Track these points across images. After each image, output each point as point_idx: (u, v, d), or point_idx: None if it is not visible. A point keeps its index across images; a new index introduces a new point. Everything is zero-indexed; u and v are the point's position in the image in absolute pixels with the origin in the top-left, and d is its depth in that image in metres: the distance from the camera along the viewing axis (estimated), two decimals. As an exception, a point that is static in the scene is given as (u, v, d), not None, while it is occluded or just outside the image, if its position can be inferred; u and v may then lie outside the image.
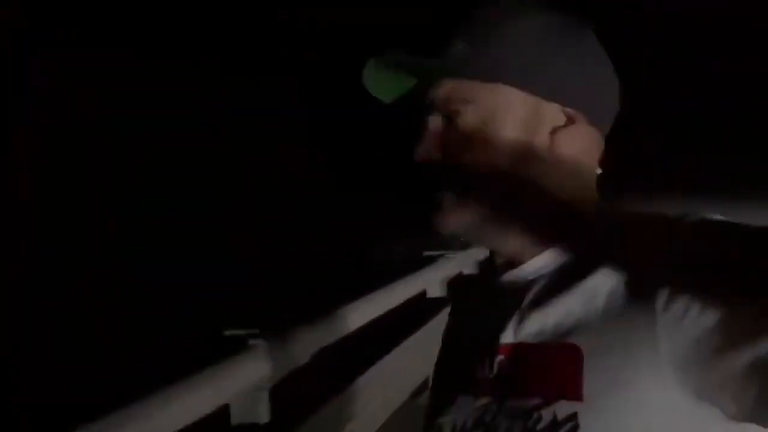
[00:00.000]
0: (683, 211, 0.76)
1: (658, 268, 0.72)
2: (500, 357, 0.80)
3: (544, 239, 0.82)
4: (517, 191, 0.81)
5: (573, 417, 0.71)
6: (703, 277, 0.69)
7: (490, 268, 0.90)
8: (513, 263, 0.84)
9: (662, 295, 0.70)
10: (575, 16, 0.85)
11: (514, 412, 0.76)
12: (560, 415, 0.72)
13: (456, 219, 0.82)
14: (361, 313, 4.06)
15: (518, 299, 0.81)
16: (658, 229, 0.76)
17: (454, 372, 0.88)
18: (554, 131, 0.81)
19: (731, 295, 0.67)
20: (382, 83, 0.86)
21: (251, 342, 2.89)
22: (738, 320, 0.66)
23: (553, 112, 0.81)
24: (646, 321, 0.70)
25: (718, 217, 0.74)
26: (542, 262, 0.82)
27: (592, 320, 0.74)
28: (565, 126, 0.81)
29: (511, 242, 0.83)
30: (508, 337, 0.80)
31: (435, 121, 0.83)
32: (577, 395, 0.71)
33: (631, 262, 0.74)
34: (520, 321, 0.80)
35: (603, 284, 0.75)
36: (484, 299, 0.89)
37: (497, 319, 0.83)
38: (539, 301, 0.80)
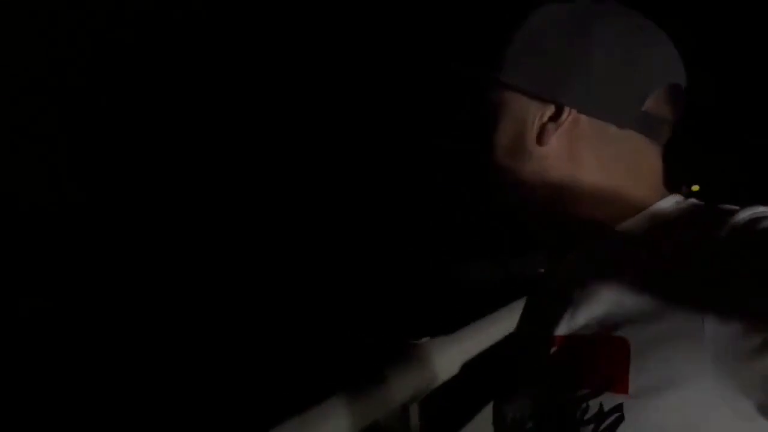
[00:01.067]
0: (735, 207, 0.76)
1: (704, 264, 0.72)
2: (554, 348, 0.83)
3: (589, 234, 0.85)
4: (536, 191, 0.86)
5: (618, 408, 0.73)
6: (751, 273, 0.68)
7: (549, 262, 0.93)
8: (563, 256, 0.88)
9: (708, 291, 0.70)
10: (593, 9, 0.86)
11: (565, 402, 0.78)
12: (606, 407, 0.74)
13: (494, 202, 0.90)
14: (505, 323, 3.96)
15: (571, 291, 0.84)
16: (708, 225, 0.76)
17: (516, 363, 0.91)
18: (546, 125, 0.85)
19: None
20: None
21: (420, 342, 2.83)
22: None
23: (546, 108, 0.85)
24: (691, 317, 0.71)
25: None
26: (597, 256, 0.84)
27: (640, 314, 0.75)
28: (553, 121, 0.84)
29: (558, 236, 0.88)
30: (561, 329, 0.83)
31: None
32: (623, 388, 0.73)
33: (678, 257, 0.75)
34: (573, 313, 0.82)
35: (650, 278, 0.76)
36: (543, 293, 0.93)
37: (553, 311, 0.85)
38: (590, 294, 0.81)
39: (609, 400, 0.74)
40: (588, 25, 0.84)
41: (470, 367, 3.40)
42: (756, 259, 0.69)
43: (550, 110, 0.85)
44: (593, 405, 0.75)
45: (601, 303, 0.80)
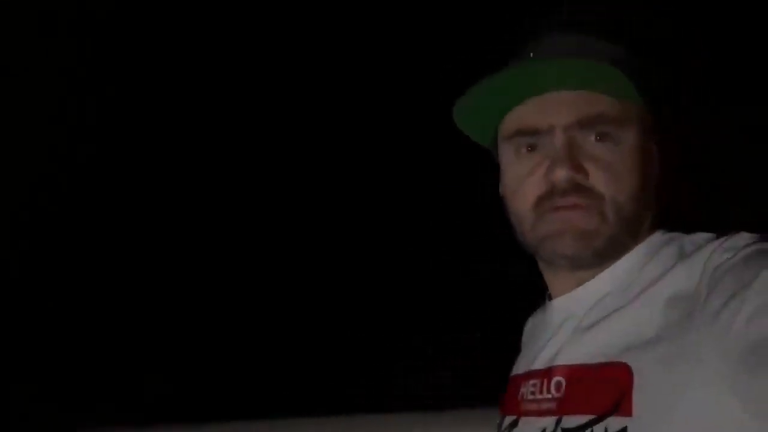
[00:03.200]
0: (735, 232, 0.78)
1: (705, 286, 0.73)
2: (557, 378, 0.84)
3: (598, 261, 0.85)
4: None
5: (623, 431, 0.74)
6: (751, 292, 0.69)
7: (548, 293, 0.93)
8: (568, 287, 0.88)
9: (708, 313, 0.71)
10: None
11: (570, 429, 0.79)
12: (611, 430, 0.75)
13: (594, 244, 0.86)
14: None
15: (574, 321, 0.86)
16: (709, 247, 0.77)
17: (519, 392, 0.91)
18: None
19: None
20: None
21: None
22: None
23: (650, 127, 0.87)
24: (692, 340, 0.72)
25: None
26: (595, 286, 0.85)
27: (642, 339, 0.76)
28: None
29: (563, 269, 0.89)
30: (564, 358, 0.84)
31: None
32: (627, 411, 0.74)
33: (678, 280, 0.77)
34: (576, 342, 0.84)
35: (652, 303, 0.78)
36: (545, 321, 0.93)
37: (555, 340, 0.87)
38: (593, 322, 0.83)
39: (614, 424, 0.75)
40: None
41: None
42: (753, 281, 0.70)
43: (651, 131, 0.88)
44: (598, 430, 0.76)
45: (604, 330, 0.81)
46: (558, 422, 0.82)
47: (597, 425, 0.77)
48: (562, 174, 0.80)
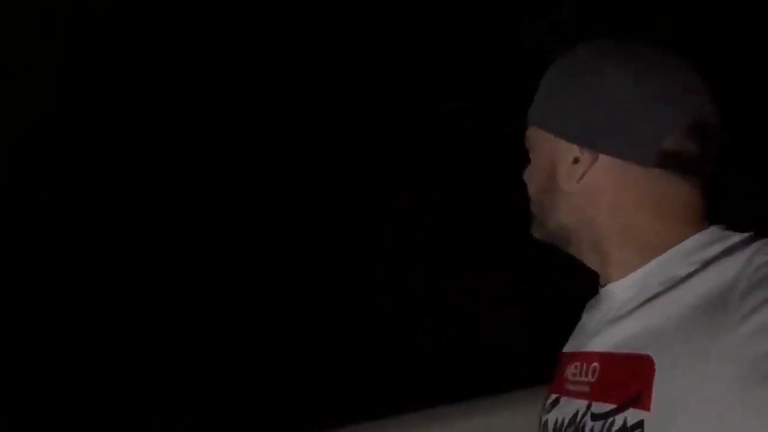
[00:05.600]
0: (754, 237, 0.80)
1: (743, 286, 0.74)
2: (594, 364, 0.87)
3: (625, 261, 0.89)
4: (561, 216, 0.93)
5: (640, 424, 0.76)
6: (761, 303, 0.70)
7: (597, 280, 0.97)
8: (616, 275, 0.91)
9: (740, 315, 0.72)
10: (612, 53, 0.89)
11: (597, 415, 0.82)
12: (629, 422, 0.77)
13: (538, 231, 0.98)
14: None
15: (610, 310, 0.89)
16: (730, 259, 0.78)
17: (561, 375, 0.96)
18: (572, 166, 0.89)
19: None
20: None
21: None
22: None
23: (570, 150, 0.89)
24: (713, 339, 0.73)
25: None
26: (628, 282, 0.88)
27: (668, 334, 0.78)
28: (577, 162, 0.89)
29: (592, 262, 0.94)
30: (599, 345, 0.88)
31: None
32: (646, 405, 0.76)
33: (716, 277, 0.77)
34: (609, 331, 0.87)
35: (686, 298, 0.79)
36: (588, 310, 0.99)
37: (593, 328, 0.91)
38: (625, 313, 0.86)
39: (632, 416, 0.77)
40: (601, 68, 0.87)
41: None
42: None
43: (574, 152, 0.89)
44: (618, 420, 0.78)
45: (634, 321, 0.83)
46: (588, 407, 0.85)
47: (618, 415, 0.79)
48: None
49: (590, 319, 0.96)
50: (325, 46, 3.64)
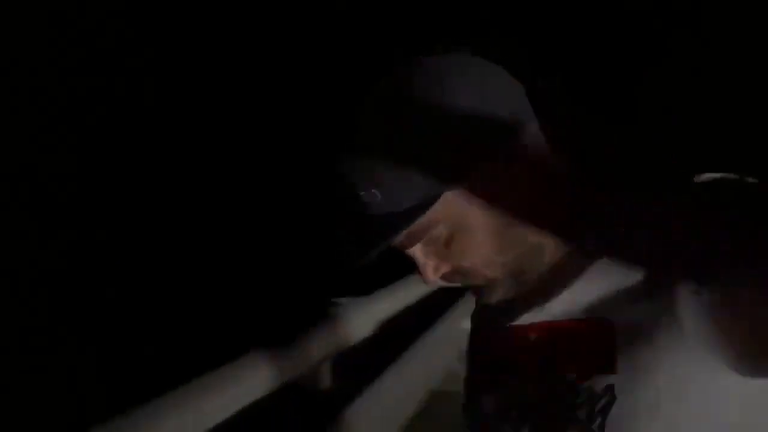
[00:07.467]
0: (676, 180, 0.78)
1: (672, 244, 0.73)
2: (533, 336, 0.82)
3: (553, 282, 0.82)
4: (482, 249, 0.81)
5: (610, 389, 0.74)
6: (718, 247, 0.69)
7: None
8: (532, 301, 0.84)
9: (678, 272, 0.71)
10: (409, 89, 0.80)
11: (552, 389, 0.78)
12: (597, 388, 0.74)
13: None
14: (419, 287, 3.98)
15: (544, 282, 0.83)
16: (663, 205, 0.77)
17: (489, 353, 0.90)
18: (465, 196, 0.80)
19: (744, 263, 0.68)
20: None
21: (337, 302, 2.81)
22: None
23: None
24: (669, 300, 0.71)
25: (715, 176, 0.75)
26: (564, 303, 0.81)
27: (622, 297, 0.75)
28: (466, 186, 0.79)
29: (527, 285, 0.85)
30: (535, 316, 0.82)
31: (417, 252, 0.82)
32: (611, 369, 0.74)
33: (646, 243, 0.75)
34: (549, 301, 0.81)
35: (629, 264, 0.76)
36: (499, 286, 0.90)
37: (523, 301, 0.84)
38: (567, 282, 0.80)
39: (599, 382, 0.75)
40: (439, 81, 0.80)
41: (383, 327, 3.41)
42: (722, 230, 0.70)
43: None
44: (584, 388, 0.75)
45: (579, 289, 0.79)
46: (538, 382, 0.82)
47: (582, 384, 0.76)
48: None
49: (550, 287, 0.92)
50: (325, 46, 3.65)
